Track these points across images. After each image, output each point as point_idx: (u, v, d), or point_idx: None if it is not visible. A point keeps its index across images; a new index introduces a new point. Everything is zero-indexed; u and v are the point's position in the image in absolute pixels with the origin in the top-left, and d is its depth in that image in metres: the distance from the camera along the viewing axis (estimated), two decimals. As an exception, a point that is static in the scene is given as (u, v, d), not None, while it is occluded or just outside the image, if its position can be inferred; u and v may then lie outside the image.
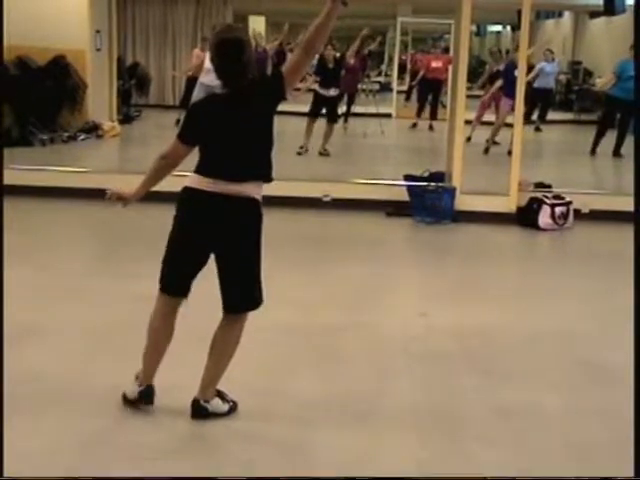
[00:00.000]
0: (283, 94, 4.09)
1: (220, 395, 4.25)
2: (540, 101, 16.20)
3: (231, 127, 4.06)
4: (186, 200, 4.11)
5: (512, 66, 13.43)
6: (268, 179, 4.12)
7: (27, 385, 4.48)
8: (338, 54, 13.62)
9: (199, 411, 4.18)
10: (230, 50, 4.02)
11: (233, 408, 4.27)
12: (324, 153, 12.91)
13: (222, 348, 4.19)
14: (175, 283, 4.21)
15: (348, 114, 16.99)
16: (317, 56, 13.62)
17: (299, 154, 12.69)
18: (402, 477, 3.73)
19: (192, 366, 4.27)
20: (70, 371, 4.74)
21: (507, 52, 18.99)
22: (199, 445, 4.03)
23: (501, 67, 15.64)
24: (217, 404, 4.22)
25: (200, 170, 4.08)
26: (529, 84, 10.68)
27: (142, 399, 4.24)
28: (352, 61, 15.57)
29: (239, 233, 4.09)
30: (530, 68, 12.89)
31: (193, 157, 4.21)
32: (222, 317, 4.20)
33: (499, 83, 14.04)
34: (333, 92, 13.12)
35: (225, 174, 4.01)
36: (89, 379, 4.63)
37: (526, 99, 10.11)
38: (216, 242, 4.10)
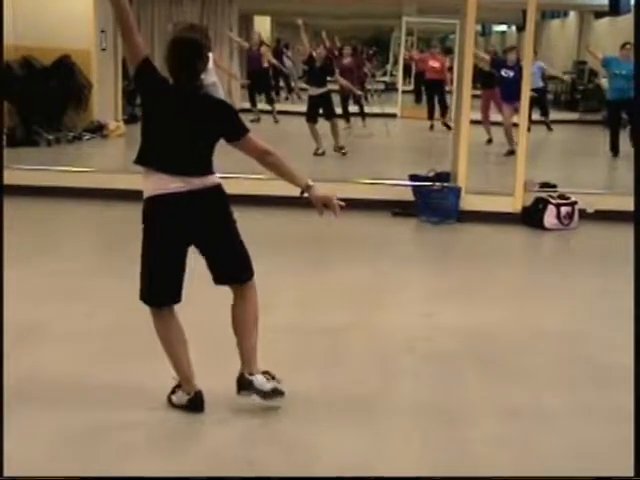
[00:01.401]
0: (229, 141, 4.13)
1: (267, 373, 4.28)
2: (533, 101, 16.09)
3: (178, 118, 4.06)
4: (155, 209, 4.10)
5: (500, 65, 13.44)
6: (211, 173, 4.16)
7: (27, 385, 4.48)
8: (323, 52, 13.49)
9: (243, 384, 4.23)
10: (184, 50, 4.03)
11: (277, 391, 4.26)
12: (340, 151, 12.93)
13: (243, 321, 4.25)
14: (166, 293, 4.21)
15: (347, 114, 16.91)
16: (306, 55, 13.59)
17: (316, 155, 12.74)
18: (403, 477, 3.73)
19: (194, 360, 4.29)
20: (70, 370, 4.74)
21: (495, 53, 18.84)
22: (199, 443, 4.03)
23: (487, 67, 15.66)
24: (262, 381, 4.24)
25: (147, 163, 4.08)
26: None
27: (192, 407, 4.24)
28: (346, 61, 15.55)
29: (219, 218, 4.15)
30: (513, 67, 12.84)
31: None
32: (234, 296, 4.26)
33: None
34: (319, 90, 12.99)
35: (180, 169, 4.03)
36: (89, 379, 4.62)
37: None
38: (197, 236, 4.14)
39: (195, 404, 4.23)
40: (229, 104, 4.41)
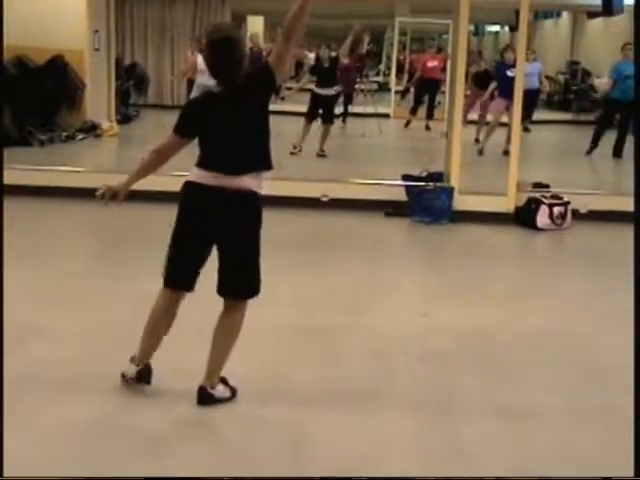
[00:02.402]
0: (274, 83, 4.22)
1: (223, 381, 4.37)
2: (523, 102, 16.01)
3: (227, 122, 4.17)
4: (188, 194, 4.21)
5: (503, 67, 13.45)
6: (268, 167, 4.23)
7: (28, 385, 4.49)
8: (334, 53, 13.57)
9: (205, 397, 4.30)
10: (221, 49, 4.11)
11: (234, 394, 4.38)
12: (321, 154, 12.84)
13: (224, 336, 4.30)
14: (180, 277, 4.31)
15: (346, 114, 16.98)
16: (313, 56, 13.65)
17: (292, 154, 12.62)
18: (402, 477, 3.73)
19: (196, 352, 4.37)
20: (71, 370, 4.74)
21: (480, 53, 18.85)
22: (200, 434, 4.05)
23: (481, 67, 15.67)
24: (222, 390, 4.34)
25: (201, 164, 4.19)
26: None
27: (141, 378, 4.37)
28: (346, 60, 15.57)
29: (240, 225, 4.20)
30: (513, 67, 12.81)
31: (187, 157, 4.24)
32: (223, 307, 4.30)
33: (491, 88, 14.08)
34: (330, 91, 13.05)
35: (224, 168, 4.12)
36: (90, 379, 4.62)
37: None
38: (219, 234, 4.22)
39: (142, 376, 4.36)
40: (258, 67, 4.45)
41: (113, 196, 4.33)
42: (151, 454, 3.87)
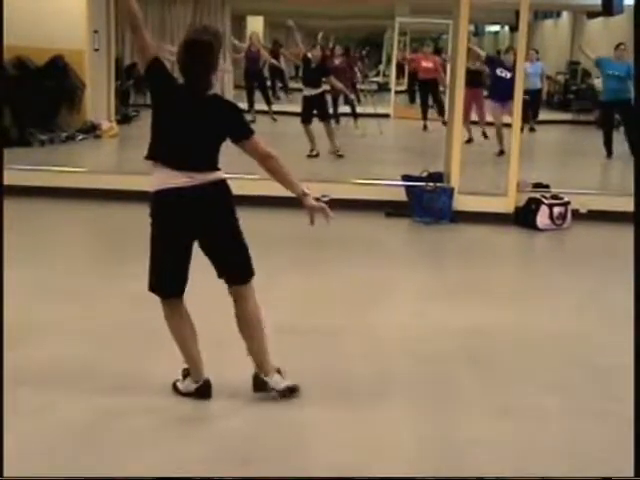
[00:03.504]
0: (234, 140, 4.24)
1: (280, 373, 4.42)
2: (526, 102, 16.01)
3: (186, 116, 4.18)
4: (161, 203, 4.18)
5: (493, 64, 13.43)
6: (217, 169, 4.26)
7: (28, 385, 4.48)
8: (318, 53, 13.47)
9: (259, 385, 4.39)
10: (199, 52, 4.14)
11: (293, 389, 4.40)
12: (338, 155, 12.85)
13: (249, 323, 4.36)
14: (174, 285, 4.30)
15: (355, 115, 16.88)
16: (301, 56, 13.62)
17: (309, 157, 12.67)
18: (402, 477, 3.74)
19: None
20: (71, 370, 4.74)
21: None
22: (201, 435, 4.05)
23: (477, 66, 15.63)
24: (277, 380, 4.39)
25: (157, 158, 4.17)
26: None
27: (200, 394, 4.37)
28: (337, 62, 15.55)
29: (225, 214, 4.26)
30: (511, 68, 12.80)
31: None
32: (233, 300, 4.36)
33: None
34: (314, 91, 12.96)
35: (194, 167, 4.14)
36: (91, 378, 4.63)
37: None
38: (202, 230, 4.24)
39: (202, 392, 4.36)
40: (236, 105, 4.49)
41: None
42: (151, 453, 3.87)
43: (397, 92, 21.14)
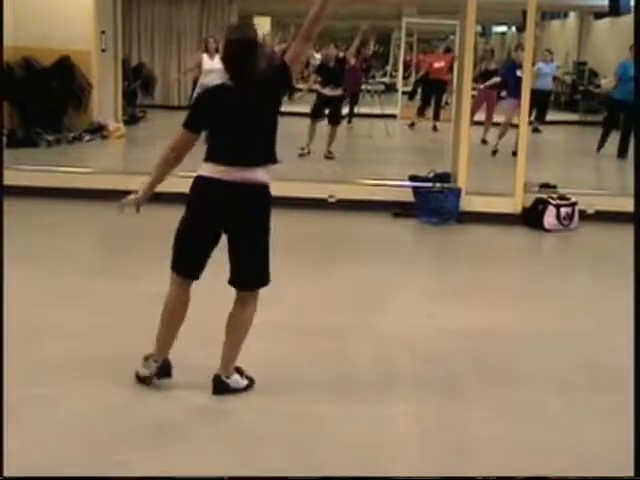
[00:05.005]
0: (290, 80, 4.35)
1: (239, 371, 4.47)
2: (537, 103, 15.98)
3: (239, 115, 4.22)
4: (200, 188, 4.25)
5: (513, 66, 13.43)
6: (274, 161, 4.29)
7: (28, 385, 4.49)
8: (341, 54, 13.55)
9: (220, 386, 4.41)
10: (240, 51, 4.18)
11: (250, 384, 4.49)
12: (329, 156, 12.77)
13: (237, 329, 4.40)
14: (189, 265, 4.37)
15: (352, 115, 16.96)
16: (319, 56, 13.63)
17: (301, 155, 12.59)
18: (403, 477, 3.73)
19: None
20: (72, 370, 4.74)
21: (492, 52, 18.93)
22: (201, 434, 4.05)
23: (491, 66, 15.64)
24: (237, 380, 4.45)
25: (212, 158, 4.23)
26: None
27: (160, 374, 4.44)
28: (353, 61, 15.56)
29: (253, 217, 4.29)
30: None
31: (190, 160, 4.25)
32: (235, 300, 4.38)
33: (492, 81, 14.11)
34: (334, 91, 12.96)
35: (236, 161, 4.18)
36: (90, 378, 4.63)
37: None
38: (231, 226, 4.28)
39: (163, 371, 4.45)
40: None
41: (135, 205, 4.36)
42: (153, 452, 3.87)
43: (404, 93, 21.13)
